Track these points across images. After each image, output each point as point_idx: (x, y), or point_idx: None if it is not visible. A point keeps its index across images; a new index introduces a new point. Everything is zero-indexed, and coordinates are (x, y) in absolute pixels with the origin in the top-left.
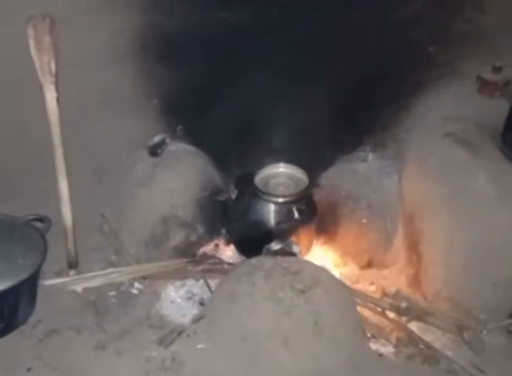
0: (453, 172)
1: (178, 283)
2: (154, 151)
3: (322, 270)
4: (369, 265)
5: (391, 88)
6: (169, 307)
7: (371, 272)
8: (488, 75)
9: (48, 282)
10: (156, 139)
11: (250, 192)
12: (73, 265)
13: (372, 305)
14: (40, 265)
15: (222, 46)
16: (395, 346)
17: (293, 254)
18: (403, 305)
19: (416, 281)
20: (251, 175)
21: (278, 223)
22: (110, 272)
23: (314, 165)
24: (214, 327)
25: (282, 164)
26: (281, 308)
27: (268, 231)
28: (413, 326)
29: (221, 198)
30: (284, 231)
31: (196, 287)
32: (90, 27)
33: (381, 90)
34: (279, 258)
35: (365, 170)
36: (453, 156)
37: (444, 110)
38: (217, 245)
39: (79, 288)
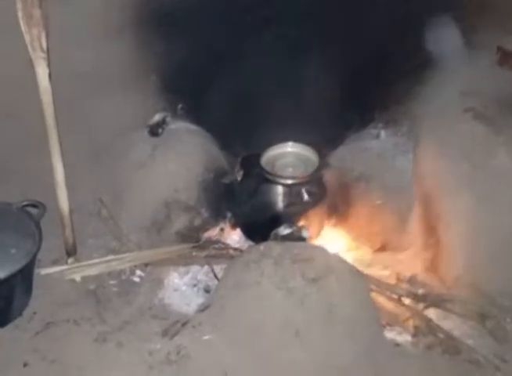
0: (473, 149)
1: (181, 269)
2: (154, 131)
3: (334, 257)
4: (382, 248)
5: (405, 60)
6: (172, 295)
7: (384, 256)
8: (510, 46)
9: (44, 271)
10: (157, 117)
11: (256, 173)
12: (71, 252)
13: (387, 292)
14: (35, 255)
15: (224, 17)
16: (413, 335)
17: (302, 239)
18: (420, 291)
19: (433, 266)
20: (257, 156)
21: (286, 206)
22: (110, 260)
23: (322, 144)
24: (220, 318)
25: (290, 144)
26: (292, 298)
27: (277, 215)
28: (431, 313)
29: (226, 180)
30: (293, 214)
31: (201, 273)
32: None
33: (394, 63)
34: (289, 244)
35: (378, 148)
36: (473, 132)
37: (460, 83)
38: (222, 229)
39: (77, 277)
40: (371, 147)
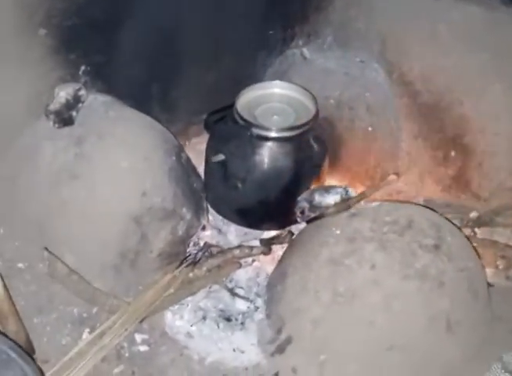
0: (481, 34)
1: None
2: (64, 116)
3: (424, 209)
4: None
5: None
6: (205, 347)
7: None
8: None
9: None
10: (63, 94)
11: (240, 133)
12: (29, 353)
13: None
14: None
15: None
16: (506, 269)
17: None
18: (472, 214)
19: (461, 182)
20: (224, 110)
21: (302, 166)
22: (94, 339)
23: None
24: (327, 349)
25: (267, 84)
26: (429, 281)
27: (293, 182)
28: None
29: (219, 158)
30: (312, 176)
31: (199, 297)
32: None
33: None
34: (371, 212)
35: (335, 65)
36: (466, 15)
37: None
38: (204, 228)
39: None
40: (327, 67)
